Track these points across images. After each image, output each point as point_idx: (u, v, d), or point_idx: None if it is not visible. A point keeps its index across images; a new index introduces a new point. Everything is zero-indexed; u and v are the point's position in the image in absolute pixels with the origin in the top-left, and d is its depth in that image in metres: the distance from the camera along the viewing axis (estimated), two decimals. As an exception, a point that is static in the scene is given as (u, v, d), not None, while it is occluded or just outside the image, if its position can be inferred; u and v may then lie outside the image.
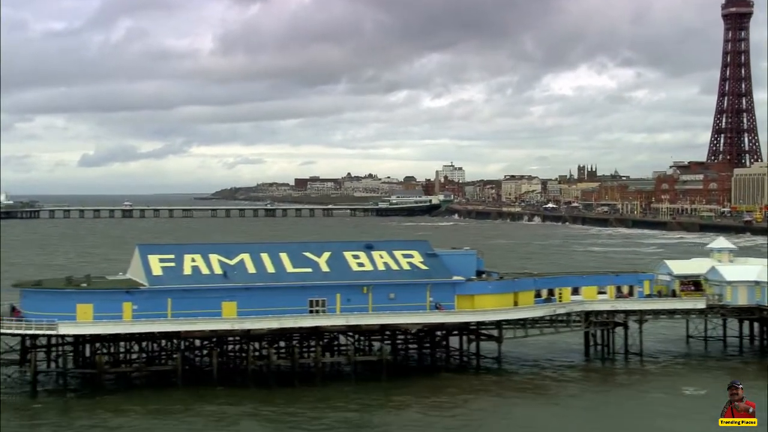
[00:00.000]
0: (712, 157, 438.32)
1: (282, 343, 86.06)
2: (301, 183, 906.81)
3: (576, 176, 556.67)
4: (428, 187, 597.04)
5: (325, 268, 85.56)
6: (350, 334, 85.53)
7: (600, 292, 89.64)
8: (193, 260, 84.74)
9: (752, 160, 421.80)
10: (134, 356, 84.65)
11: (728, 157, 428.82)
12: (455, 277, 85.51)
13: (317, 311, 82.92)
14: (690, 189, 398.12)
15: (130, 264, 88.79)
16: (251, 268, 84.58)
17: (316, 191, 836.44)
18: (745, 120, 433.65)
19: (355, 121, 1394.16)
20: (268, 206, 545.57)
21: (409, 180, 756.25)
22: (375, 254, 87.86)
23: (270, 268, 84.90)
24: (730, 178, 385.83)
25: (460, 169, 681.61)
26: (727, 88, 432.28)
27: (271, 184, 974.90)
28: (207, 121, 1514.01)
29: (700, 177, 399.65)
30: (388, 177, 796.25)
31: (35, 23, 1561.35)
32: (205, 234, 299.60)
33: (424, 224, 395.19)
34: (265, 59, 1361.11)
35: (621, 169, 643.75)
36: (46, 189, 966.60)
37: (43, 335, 79.42)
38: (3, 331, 78.56)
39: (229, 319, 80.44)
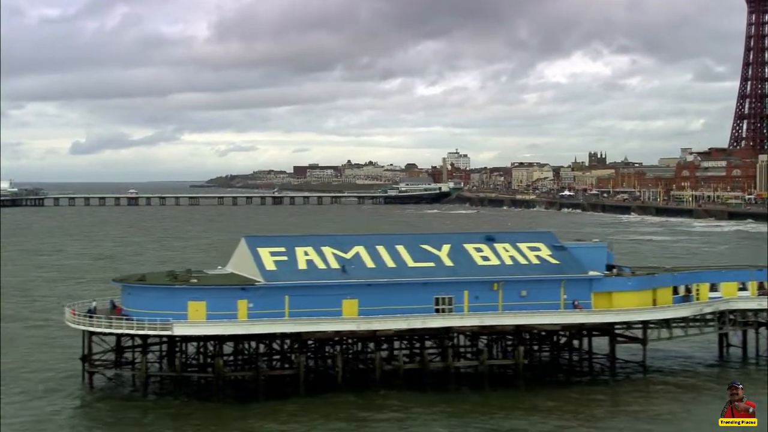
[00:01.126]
0: (734, 144, 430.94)
1: (395, 345, 79.17)
2: (300, 170, 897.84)
3: (587, 163, 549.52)
4: (435, 175, 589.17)
5: (448, 262, 78.48)
6: (478, 335, 78.23)
7: (740, 289, 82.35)
8: (306, 253, 77.66)
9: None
10: (232, 358, 77.22)
11: (751, 144, 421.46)
12: (590, 273, 78.21)
13: (443, 310, 75.73)
14: (712, 176, 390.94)
15: (233, 256, 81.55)
16: (369, 263, 77.45)
17: (317, 179, 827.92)
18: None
19: (348, 109, 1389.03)
20: (276, 194, 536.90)
21: (411, 167, 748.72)
22: (498, 247, 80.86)
23: (390, 263, 77.78)
24: (754, 165, 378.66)
25: (465, 156, 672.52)
26: (750, 72, 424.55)
27: (268, 172, 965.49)
28: (199, 108, 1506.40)
29: (723, 164, 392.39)
30: (391, 164, 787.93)
31: (31, 9, 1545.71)
32: (235, 222, 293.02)
33: (441, 212, 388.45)
34: (260, 46, 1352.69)
35: (613, 156, 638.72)
36: (38, 177, 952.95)
37: (158, 336, 72.18)
38: (113, 331, 71.50)
39: (354, 319, 73.24)
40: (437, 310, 75.80)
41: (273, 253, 77.40)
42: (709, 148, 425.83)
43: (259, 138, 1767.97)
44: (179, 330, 71.25)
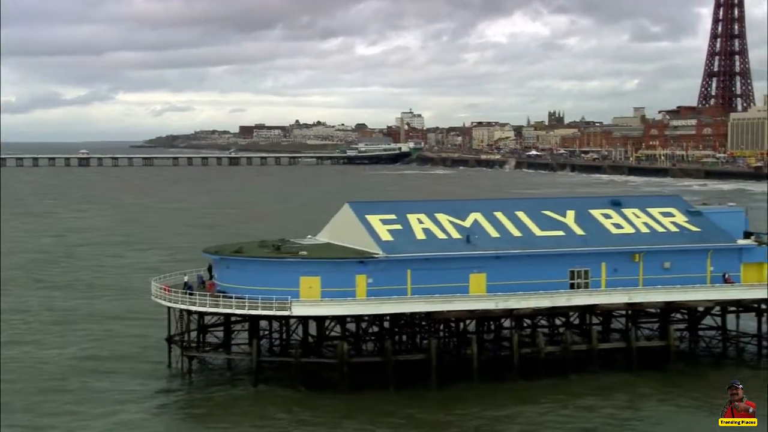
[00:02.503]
0: (703, 102, 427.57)
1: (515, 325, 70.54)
2: (246, 131, 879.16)
3: (547, 122, 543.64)
4: (392, 135, 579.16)
5: (578, 230, 69.79)
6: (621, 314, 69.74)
7: None
8: (421, 221, 68.61)
9: (744, 104, 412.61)
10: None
11: (720, 102, 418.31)
12: (740, 241, 69.97)
13: (578, 285, 66.99)
14: (682, 135, 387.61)
15: (330, 225, 72.22)
16: (493, 232, 68.48)
17: (264, 139, 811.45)
18: (737, 63, 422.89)
19: (287, 68, 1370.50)
20: (232, 155, 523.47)
21: (362, 127, 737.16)
22: (627, 212, 72.46)
23: (515, 231, 68.92)
24: (725, 123, 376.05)
25: (420, 116, 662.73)
26: (720, 29, 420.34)
27: (212, 132, 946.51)
28: (135, 67, 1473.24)
29: (693, 122, 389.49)
30: (342, 124, 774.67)
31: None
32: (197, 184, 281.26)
33: (409, 173, 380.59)
34: (200, 4, 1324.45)
35: (572, 116, 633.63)
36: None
37: (274, 317, 62.83)
38: (220, 310, 62.26)
39: (492, 296, 64.35)
40: (572, 285, 67.11)
41: (384, 221, 68.25)
42: (678, 107, 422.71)
43: (195, 98, 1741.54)
44: (299, 309, 61.91)
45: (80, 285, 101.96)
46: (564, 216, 71.27)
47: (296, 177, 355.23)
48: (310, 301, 62.03)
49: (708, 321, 72.95)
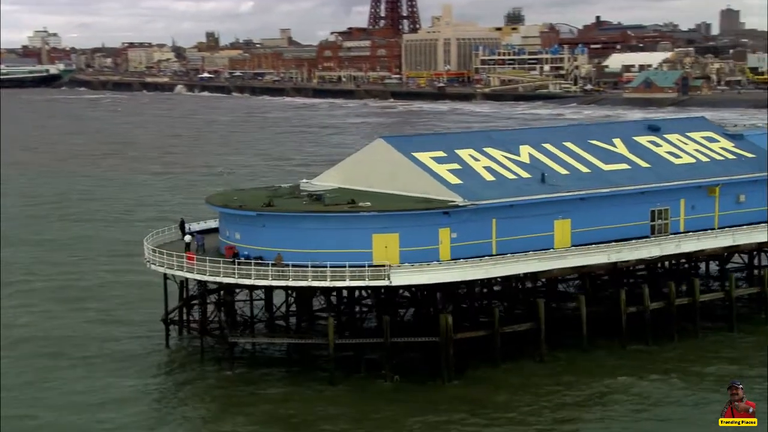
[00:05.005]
0: (373, 24, 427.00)
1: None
2: None
3: (205, 43, 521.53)
4: (29, 55, 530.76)
5: (642, 163, 59.24)
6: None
7: None
8: (475, 158, 55.17)
9: (410, 26, 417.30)
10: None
11: (390, 23, 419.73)
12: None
13: (659, 227, 56.79)
14: (357, 56, 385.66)
15: (342, 165, 57.73)
16: (559, 168, 56.60)
17: None
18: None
19: None
20: None
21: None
22: (672, 139, 62.86)
23: (581, 167, 57.33)
24: (399, 45, 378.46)
25: (56, 35, 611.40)
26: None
27: None
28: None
29: (368, 44, 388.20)
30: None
31: None
32: None
33: (66, 98, 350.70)
34: None
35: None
36: None
37: (366, 288, 49.62)
38: (290, 284, 48.37)
39: (604, 248, 52.82)
40: (652, 228, 56.68)
41: (437, 160, 53.90)
42: (349, 28, 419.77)
43: None
44: (400, 278, 46.83)
45: None
46: (614, 145, 60.58)
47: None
48: (417, 268, 47.98)
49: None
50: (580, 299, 52.34)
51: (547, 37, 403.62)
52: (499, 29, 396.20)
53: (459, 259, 49.61)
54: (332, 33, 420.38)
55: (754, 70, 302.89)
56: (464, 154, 55.58)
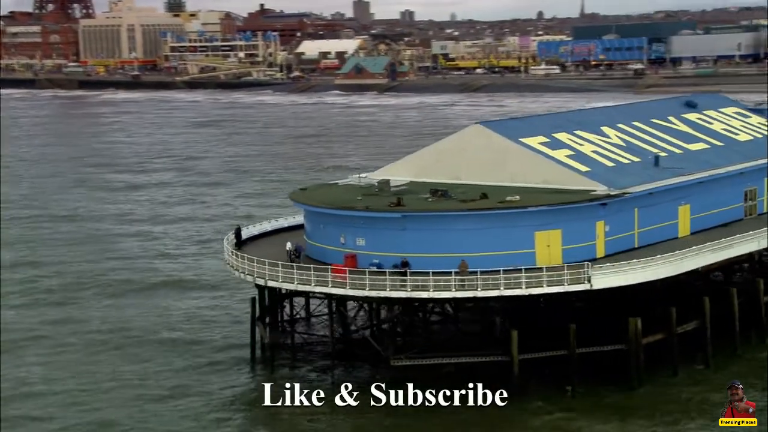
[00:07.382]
0: (40, 8, 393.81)
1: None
2: None
3: None
4: None
5: (714, 141, 55.11)
6: None
7: None
8: (579, 143, 49.49)
9: (82, 11, 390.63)
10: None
11: (60, 8, 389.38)
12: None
13: (750, 208, 53.21)
14: (27, 42, 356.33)
15: (420, 154, 50.69)
16: (656, 151, 51.40)
17: None
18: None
19: None
20: None
21: None
22: (713, 115, 59.27)
23: (671, 148, 52.94)
24: (74, 30, 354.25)
25: None
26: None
27: None
28: None
29: (37, 29, 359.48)
30: None
31: None
32: None
33: None
34: None
35: None
36: None
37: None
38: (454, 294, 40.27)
39: (754, 234, 47.28)
40: (745, 210, 52.88)
41: (546, 145, 47.52)
42: (11, 12, 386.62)
43: None
44: (601, 280, 40.26)
45: None
46: (675, 124, 55.81)
47: None
48: (627, 266, 41.43)
49: None
50: (732, 292, 46.72)
51: (226, 25, 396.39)
52: (177, 15, 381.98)
53: (611, 255, 43.19)
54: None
55: (446, 57, 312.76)
56: (565, 138, 48.72)
